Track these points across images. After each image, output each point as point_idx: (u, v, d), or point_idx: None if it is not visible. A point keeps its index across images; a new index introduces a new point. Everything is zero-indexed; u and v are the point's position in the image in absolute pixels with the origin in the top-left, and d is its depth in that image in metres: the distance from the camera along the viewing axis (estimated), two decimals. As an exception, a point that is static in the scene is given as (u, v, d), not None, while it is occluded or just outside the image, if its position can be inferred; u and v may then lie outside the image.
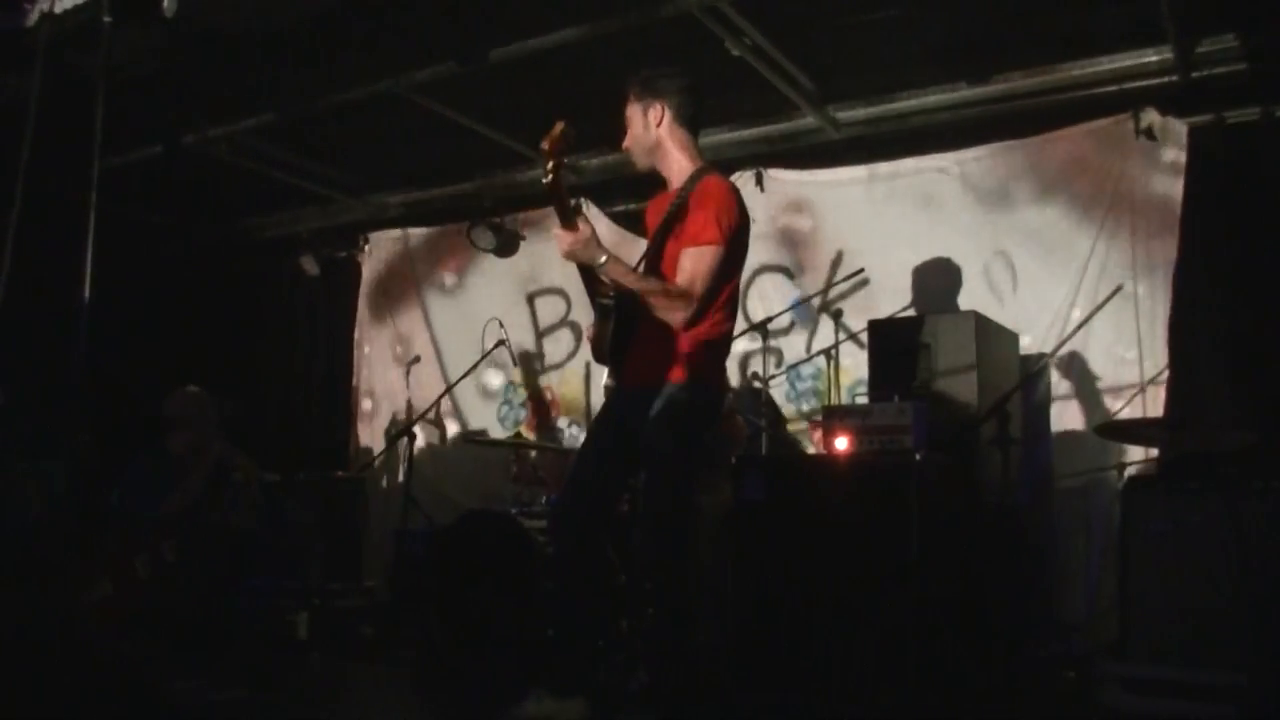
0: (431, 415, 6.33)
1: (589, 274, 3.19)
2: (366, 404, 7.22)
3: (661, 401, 3.08)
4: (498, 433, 6.50)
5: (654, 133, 3.27)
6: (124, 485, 4.64)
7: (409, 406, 6.67)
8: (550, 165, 2.96)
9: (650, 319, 3.12)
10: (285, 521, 5.14)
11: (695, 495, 3.27)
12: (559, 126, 2.95)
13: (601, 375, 3.39)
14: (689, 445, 3.12)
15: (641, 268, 3.27)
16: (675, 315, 3.06)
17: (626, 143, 3.37)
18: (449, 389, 5.90)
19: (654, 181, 3.44)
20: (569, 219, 3.06)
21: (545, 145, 2.96)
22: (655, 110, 3.26)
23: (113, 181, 3.09)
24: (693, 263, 3.05)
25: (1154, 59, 4.72)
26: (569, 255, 3.09)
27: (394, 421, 6.90)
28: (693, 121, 3.31)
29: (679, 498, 3.11)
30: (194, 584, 4.39)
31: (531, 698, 3.07)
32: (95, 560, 4.26)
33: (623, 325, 3.18)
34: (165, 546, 4.40)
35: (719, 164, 5.69)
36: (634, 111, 3.31)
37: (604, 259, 3.05)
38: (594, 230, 3.07)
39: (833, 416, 3.86)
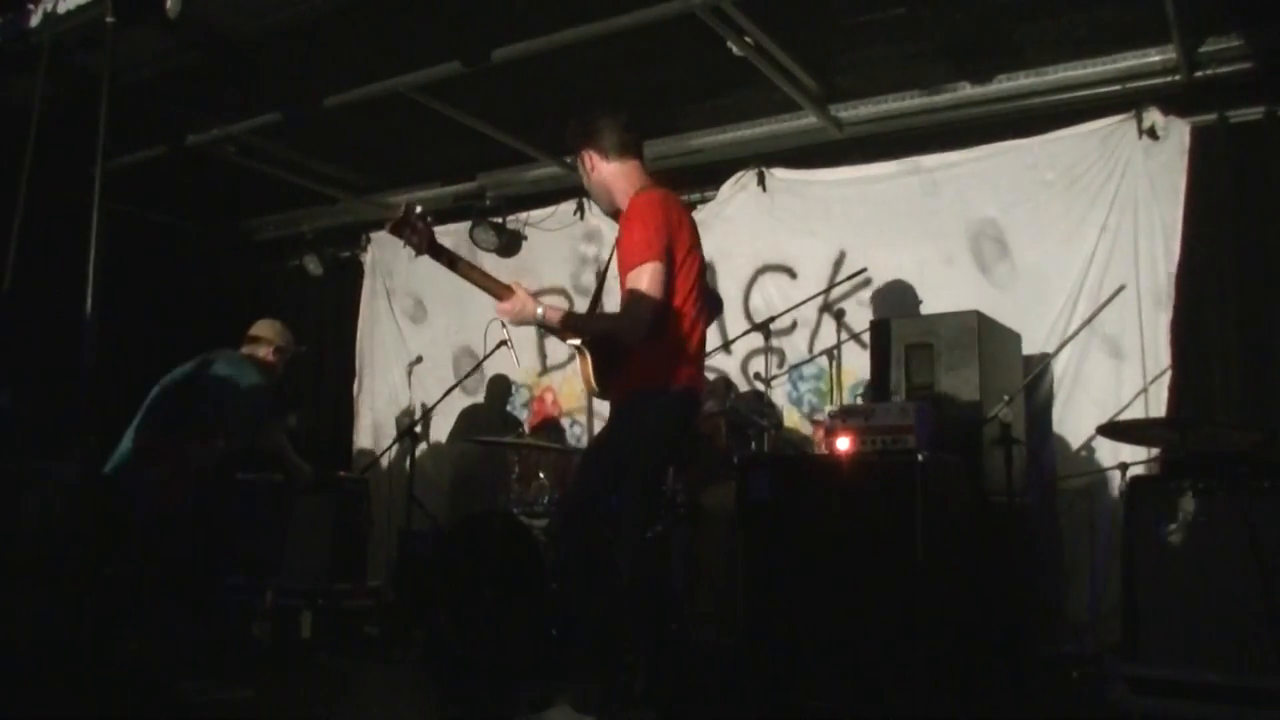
0: (434, 415, 6.32)
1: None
2: (368, 404, 7.21)
3: (633, 410, 3.15)
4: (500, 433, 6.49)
5: (594, 177, 3.36)
6: (226, 382, 4.59)
7: (411, 407, 6.67)
8: (405, 246, 3.10)
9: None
10: (290, 521, 5.14)
11: (663, 499, 3.31)
12: (401, 209, 3.07)
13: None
14: (658, 451, 3.18)
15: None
16: (633, 338, 3.10)
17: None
18: (450, 389, 5.91)
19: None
20: (495, 289, 3.22)
21: (389, 230, 3.09)
22: (588, 157, 3.35)
23: (117, 182, 3.09)
24: (633, 284, 3.09)
25: (1157, 59, 4.72)
26: (514, 321, 3.24)
27: (396, 422, 6.90)
28: (626, 149, 3.33)
29: (649, 504, 3.16)
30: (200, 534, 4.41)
31: (555, 708, 3.09)
32: (160, 445, 4.40)
33: (599, 355, 3.23)
34: (221, 437, 4.47)
35: (722, 164, 5.82)
36: (579, 165, 3.41)
37: (543, 313, 3.17)
38: (527, 291, 3.19)
39: (835, 417, 3.86)
